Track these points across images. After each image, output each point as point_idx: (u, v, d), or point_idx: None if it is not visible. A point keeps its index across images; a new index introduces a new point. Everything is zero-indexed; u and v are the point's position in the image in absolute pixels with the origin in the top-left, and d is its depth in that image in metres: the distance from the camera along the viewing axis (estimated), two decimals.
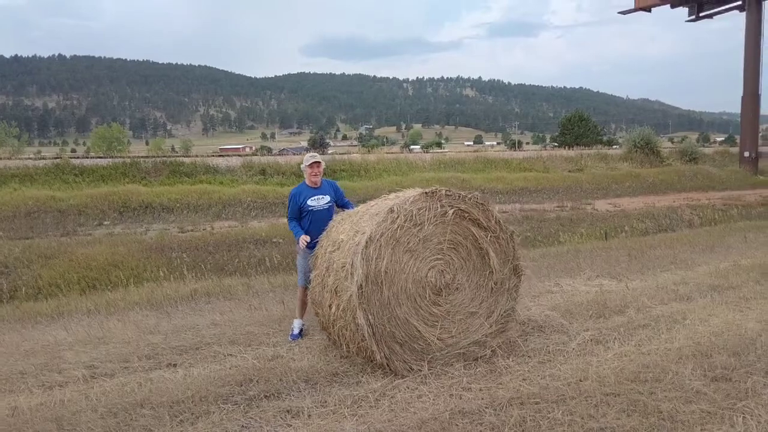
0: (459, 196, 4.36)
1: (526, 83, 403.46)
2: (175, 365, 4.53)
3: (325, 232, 4.80)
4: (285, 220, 16.06)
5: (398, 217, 4.11)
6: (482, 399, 3.67)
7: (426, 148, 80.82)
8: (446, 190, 4.32)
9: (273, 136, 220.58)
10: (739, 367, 4.01)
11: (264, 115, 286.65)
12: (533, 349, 4.57)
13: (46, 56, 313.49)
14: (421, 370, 4.09)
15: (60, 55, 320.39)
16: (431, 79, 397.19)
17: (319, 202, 5.14)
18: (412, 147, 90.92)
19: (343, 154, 29.90)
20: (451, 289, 4.37)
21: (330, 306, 4.32)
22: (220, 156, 25.75)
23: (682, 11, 33.19)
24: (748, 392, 3.61)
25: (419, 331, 4.16)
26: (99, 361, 4.61)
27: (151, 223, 16.67)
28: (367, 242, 3.99)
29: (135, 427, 3.42)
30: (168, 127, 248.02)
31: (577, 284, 6.98)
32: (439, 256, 4.33)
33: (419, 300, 4.21)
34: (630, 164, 31.14)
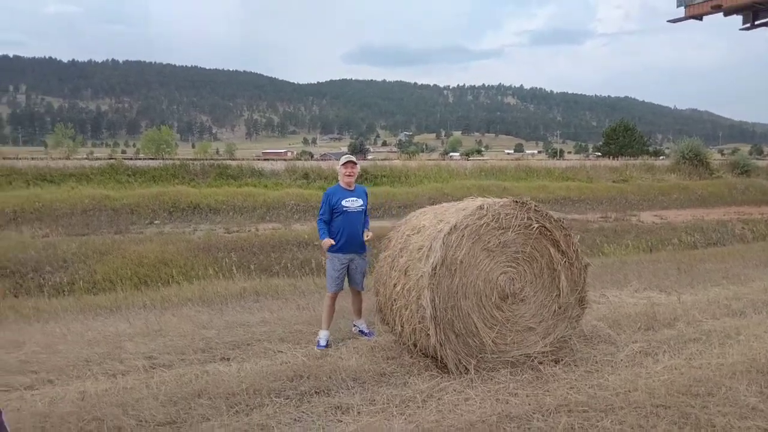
0: (546, 214, 4.49)
1: (569, 91, 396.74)
2: (228, 359, 4.72)
3: (404, 219, 5.01)
4: None
5: (486, 214, 4.28)
6: (529, 405, 3.69)
7: (466, 155, 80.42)
8: (535, 205, 4.46)
9: (314, 141, 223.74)
10: None
11: (306, 121, 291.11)
12: (580, 358, 4.55)
13: (100, 61, 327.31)
14: (467, 369, 4.15)
15: (113, 60, 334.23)
16: (472, 87, 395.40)
17: (353, 203, 5.13)
18: (451, 154, 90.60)
19: (383, 160, 30.18)
20: (517, 299, 4.45)
21: (395, 285, 4.49)
22: (265, 160, 26.31)
23: (735, 19, 32.02)
24: None
25: (477, 328, 4.25)
26: (157, 353, 4.84)
27: (199, 224, 17.21)
28: (450, 230, 4.16)
29: (193, 415, 3.59)
30: (213, 131, 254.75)
31: (624, 296, 6.88)
32: (514, 265, 4.43)
33: (484, 299, 4.31)
34: (677, 176, 30.23)
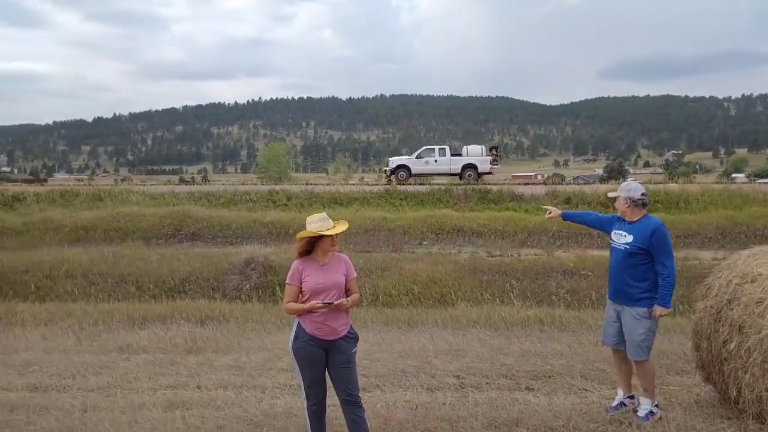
0: None
1: None
2: (532, 389, 4.71)
3: (725, 264, 4.26)
4: (593, 252, 15.41)
5: None
6: None
7: (756, 176, 67.70)
8: None
9: (566, 163, 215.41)
10: None
11: (557, 142, 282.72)
12: None
13: (371, 96, 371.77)
14: None
15: (381, 94, 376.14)
16: (762, 96, 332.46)
17: (620, 239, 4.08)
18: (734, 175, 77.31)
19: (658, 183, 27.25)
20: None
21: (725, 342, 3.94)
22: (525, 185, 26.29)
23: None
24: None
25: None
26: (464, 373, 5.10)
27: (462, 246, 17.96)
28: None
29: None
30: None
31: None
32: None
33: None
34: None
